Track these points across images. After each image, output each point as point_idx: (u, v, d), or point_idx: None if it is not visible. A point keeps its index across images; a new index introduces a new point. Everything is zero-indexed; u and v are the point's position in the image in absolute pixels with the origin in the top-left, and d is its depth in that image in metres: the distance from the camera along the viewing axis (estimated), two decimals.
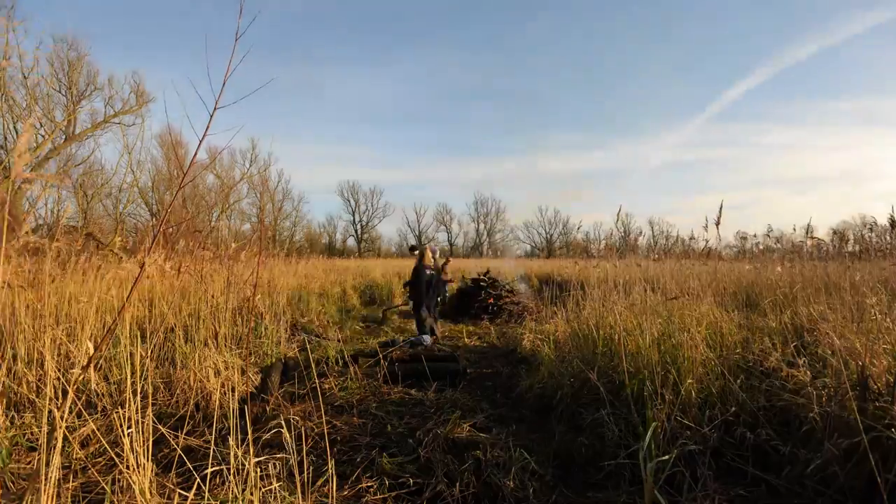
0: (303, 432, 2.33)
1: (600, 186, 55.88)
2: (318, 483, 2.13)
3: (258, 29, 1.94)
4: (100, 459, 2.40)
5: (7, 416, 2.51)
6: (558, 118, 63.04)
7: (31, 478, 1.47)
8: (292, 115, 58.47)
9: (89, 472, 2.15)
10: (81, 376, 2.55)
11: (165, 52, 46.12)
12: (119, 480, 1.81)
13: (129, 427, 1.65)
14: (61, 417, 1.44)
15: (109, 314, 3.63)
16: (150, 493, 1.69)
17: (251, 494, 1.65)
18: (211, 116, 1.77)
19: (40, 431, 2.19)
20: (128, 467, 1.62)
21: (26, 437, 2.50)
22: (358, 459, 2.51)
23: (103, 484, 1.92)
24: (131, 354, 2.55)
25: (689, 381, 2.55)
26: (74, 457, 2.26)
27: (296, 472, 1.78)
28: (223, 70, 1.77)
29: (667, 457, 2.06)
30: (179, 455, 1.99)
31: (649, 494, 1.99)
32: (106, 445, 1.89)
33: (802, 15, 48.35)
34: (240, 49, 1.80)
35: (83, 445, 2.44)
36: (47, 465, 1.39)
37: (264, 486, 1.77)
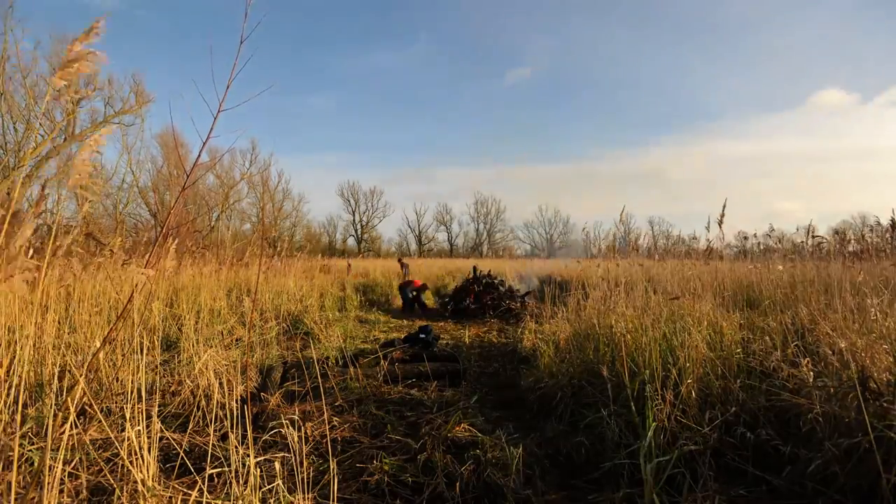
0: (303, 432, 2.34)
1: None
2: (319, 483, 2.13)
3: (263, 29, 1.94)
4: (104, 454, 2.40)
5: (11, 410, 2.51)
6: None
7: (35, 472, 1.47)
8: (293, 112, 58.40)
9: (93, 468, 2.15)
10: (84, 374, 2.55)
11: (167, 52, 46.13)
12: (123, 479, 1.81)
13: (133, 426, 1.66)
14: (64, 414, 1.45)
15: (114, 313, 3.63)
16: (153, 490, 1.69)
17: (252, 494, 1.65)
18: (214, 119, 1.77)
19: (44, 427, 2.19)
20: (132, 463, 1.63)
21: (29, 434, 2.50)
22: (358, 459, 2.51)
23: (111, 478, 1.93)
24: (135, 354, 2.56)
25: (690, 381, 2.55)
26: (76, 456, 2.27)
27: (297, 471, 1.79)
28: (228, 68, 1.78)
29: (667, 457, 2.06)
30: (182, 454, 1.99)
31: (649, 495, 1.99)
32: (113, 438, 1.89)
33: None
34: (245, 50, 1.80)
35: (88, 443, 2.44)
36: (51, 460, 1.40)
37: (265, 486, 1.78)
